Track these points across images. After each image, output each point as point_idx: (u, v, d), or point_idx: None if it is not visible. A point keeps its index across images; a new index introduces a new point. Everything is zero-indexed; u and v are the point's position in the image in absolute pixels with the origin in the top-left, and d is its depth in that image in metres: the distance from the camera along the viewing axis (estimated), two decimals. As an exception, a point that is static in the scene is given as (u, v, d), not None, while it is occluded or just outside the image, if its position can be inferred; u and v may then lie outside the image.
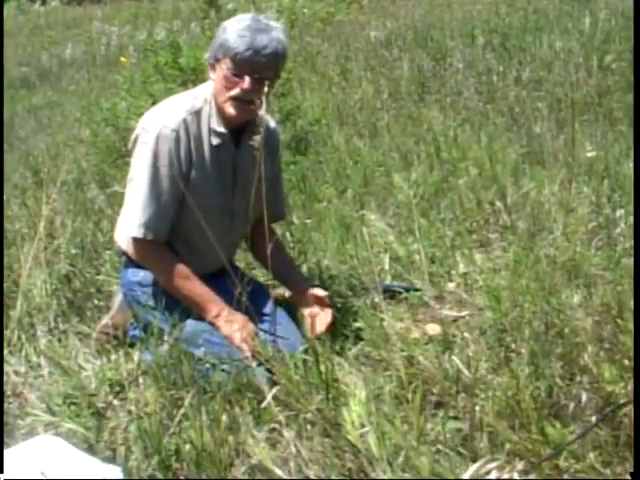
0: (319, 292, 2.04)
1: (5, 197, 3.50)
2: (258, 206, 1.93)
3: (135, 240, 1.92)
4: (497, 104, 4.30)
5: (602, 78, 4.39)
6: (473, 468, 1.40)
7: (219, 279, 1.95)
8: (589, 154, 3.15)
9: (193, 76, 5.37)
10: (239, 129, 1.97)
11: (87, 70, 8.06)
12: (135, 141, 1.93)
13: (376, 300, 2.07)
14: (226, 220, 2.02)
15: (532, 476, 1.43)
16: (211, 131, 1.93)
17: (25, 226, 3.04)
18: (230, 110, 1.89)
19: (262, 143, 1.80)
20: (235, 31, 1.83)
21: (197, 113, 1.91)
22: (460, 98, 4.56)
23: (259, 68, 1.84)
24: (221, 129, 1.93)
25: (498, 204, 2.86)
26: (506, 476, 1.40)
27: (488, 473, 1.39)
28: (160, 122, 1.87)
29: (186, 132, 1.88)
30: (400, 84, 4.88)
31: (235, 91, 1.85)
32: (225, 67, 1.85)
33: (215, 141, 1.93)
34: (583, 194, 2.83)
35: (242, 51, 1.81)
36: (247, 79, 1.84)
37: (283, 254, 2.19)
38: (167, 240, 1.95)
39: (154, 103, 4.76)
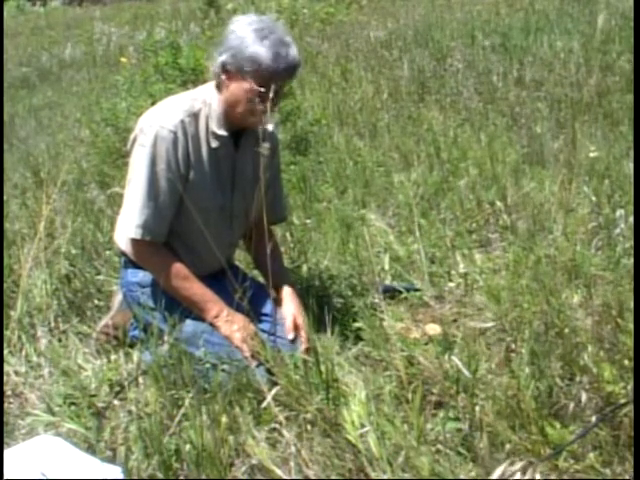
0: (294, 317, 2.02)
1: (5, 197, 3.50)
2: (258, 207, 1.94)
3: (133, 241, 1.92)
4: (497, 104, 4.30)
5: (602, 78, 4.39)
6: (499, 470, 1.40)
7: (219, 280, 1.96)
8: (591, 154, 3.15)
9: (193, 76, 5.37)
10: (238, 131, 1.97)
11: (87, 70, 8.06)
12: (133, 142, 1.93)
13: (376, 300, 2.07)
14: (225, 221, 2.02)
15: (536, 475, 1.43)
16: (210, 133, 1.92)
17: (25, 226, 3.04)
18: (252, 119, 1.90)
19: (266, 147, 1.81)
20: (263, 45, 1.83)
21: (195, 115, 1.91)
22: (460, 98, 4.56)
23: (284, 80, 1.89)
24: (221, 132, 1.93)
25: (498, 204, 2.86)
26: (528, 476, 1.40)
27: (513, 474, 1.39)
28: (158, 123, 1.87)
29: (184, 133, 1.88)
30: (400, 84, 4.88)
31: (259, 102, 1.86)
32: (251, 79, 1.84)
33: (214, 144, 1.93)
34: (583, 194, 2.83)
35: (273, 65, 1.83)
36: (273, 91, 1.86)
37: (277, 261, 2.14)
38: (166, 241, 1.95)
39: (154, 103, 4.74)
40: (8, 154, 4.85)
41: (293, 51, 1.87)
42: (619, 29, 5.16)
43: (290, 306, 2.02)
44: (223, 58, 1.87)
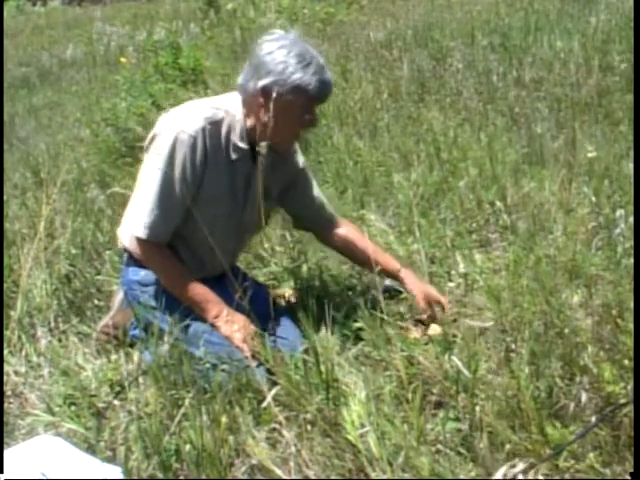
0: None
1: (5, 197, 3.50)
2: (311, 215, 2.16)
3: (138, 240, 1.93)
4: (497, 104, 4.29)
5: (602, 78, 4.38)
6: (501, 471, 1.40)
7: (219, 280, 1.96)
8: (590, 154, 3.15)
9: (193, 76, 5.38)
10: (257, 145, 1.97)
11: (87, 70, 8.06)
12: (152, 141, 1.94)
13: (376, 300, 2.07)
14: (233, 230, 2.03)
15: (538, 476, 1.43)
16: (231, 145, 1.93)
17: (25, 226, 3.04)
18: (292, 141, 2.02)
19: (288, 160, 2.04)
20: (307, 72, 1.87)
21: (217, 124, 1.91)
22: (460, 98, 4.55)
23: (324, 103, 2.01)
24: (242, 144, 1.94)
25: (498, 204, 2.85)
26: (530, 477, 1.40)
27: (515, 476, 1.39)
28: (179, 126, 1.87)
29: (203, 140, 1.88)
30: (400, 84, 4.88)
31: (303, 126, 1.96)
32: (296, 102, 1.87)
33: (234, 155, 1.94)
34: (583, 194, 2.82)
35: (319, 94, 1.91)
36: (315, 113, 1.95)
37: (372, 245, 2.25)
38: (171, 242, 1.95)
39: (154, 103, 4.79)
40: (8, 154, 4.85)
41: (329, 74, 1.93)
42: (619, 29, 5.16)
43: (417, 284, 2.15)
44: (264, 82, 1.87)
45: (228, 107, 1.95)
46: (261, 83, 1.87)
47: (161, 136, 1.89)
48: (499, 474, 1.40)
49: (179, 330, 1.88)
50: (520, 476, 1.40)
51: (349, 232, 2.22)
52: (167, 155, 1.86)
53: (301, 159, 2.16)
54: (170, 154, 1.85)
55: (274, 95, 1.86)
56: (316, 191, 2.21)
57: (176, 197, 1.88)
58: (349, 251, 2.24)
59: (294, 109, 1.89)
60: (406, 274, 2.18)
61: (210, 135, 1.89)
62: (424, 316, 2.08)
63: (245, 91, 1.93)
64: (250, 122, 1.94)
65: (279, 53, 1.87)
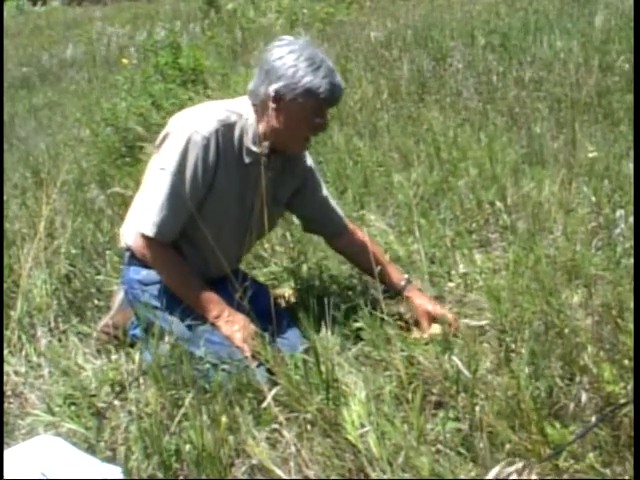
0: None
1: (5, 197, 3.50)
2: (320, 217, 2.16)
3: (143, 237, 1.93)
4: (497, 104, 4.29)
5: (602, 78, 4.38)
6: (494, 470, 1.40)
7: (221, 281, 1.96)
8: (590, 154, 3.15)
9: (193, 76, 5.39)
10: (271, 150, 1.97)
11: (87, 70, 8.07)
12: (163, 140, 1.94)
13: (376, 300, 2.07)
14: (238, 235, 2.04)
15: (532, 476, 1.43)
16: (244, 148, 1.94)
17: (25, 226, 3.04)
18: (303, 145, 2.00)
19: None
20: (317, 76, 1.87)
21: (230, 127, 1.91)
22: (460, 98, 4.55)
23: (334, 106, 2.01)
24: (255, 148, 1.94)
25: (498, 204, 2.86)
26: (524, 477, 1.40)
27: (509, 475, 1.39)
28: (192, 127, 1.87)
29: (216, 143, 1.88)
30: (400, 84, 4.88)
31: (314, 129, 1.96)
32: (307, 106, 1.88)
33: (248, 159, 1.94)
34: (583, 194, 2.83)
35: (330, 97, 1.90)
36: (326, 117, 1.95)
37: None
38: (175, 241, 1.96)
39: (154, 103, 4.79)
40: (8, 154, 4.85)
41: (339, 77, 1.93)
42: (619, 29, 5.16)
43: (421, 305, 2.09)
44: (275, 87, 1.88)
45: (241, 111, 1.95)
46: (272, 88, 1.88)
47: (173, 136, 1.89)
48: (491, 474, 1.40)
49: (180, 330, 1.88)
50: (514, 476, 1.40)
51: (358, 240, 2.20)
52: (179, 155, 1.86)
53: (309, 160, 2.16)
54: (182, 154, 1.86)
55: (285, 99, 1.87)
56: (325, 193, 2.20)
57: (186, 197, 1.88)
58: (356, 260, 2.25)
59: (305, 113, 1.90)
60: (410, 292, 2.14)
61: (223, 137, 1.89)
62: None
63: (256, 96, 1.94)
64: (262, 127, 1.94)
65: (289, 58, 1.87)
